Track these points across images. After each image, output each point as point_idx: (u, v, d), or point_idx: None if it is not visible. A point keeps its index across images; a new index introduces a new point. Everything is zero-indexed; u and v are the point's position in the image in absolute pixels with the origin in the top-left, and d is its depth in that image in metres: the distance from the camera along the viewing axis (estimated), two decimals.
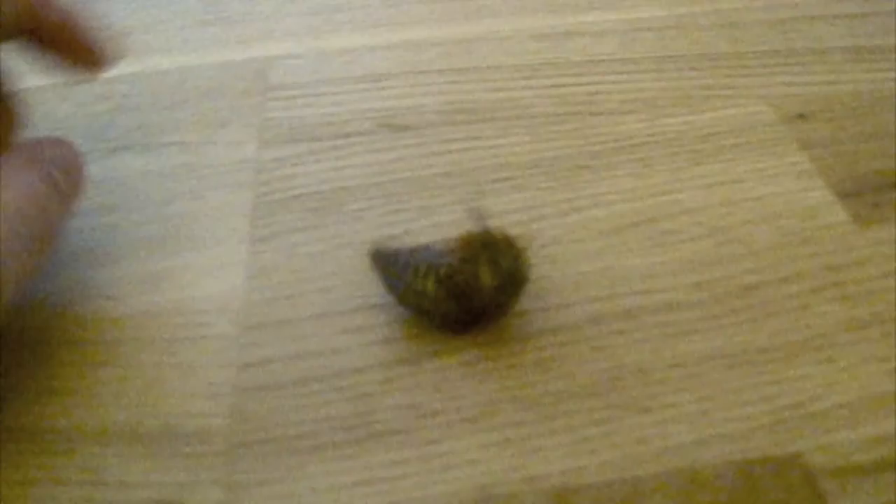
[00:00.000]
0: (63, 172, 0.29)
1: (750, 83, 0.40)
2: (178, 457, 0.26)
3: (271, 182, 0.35)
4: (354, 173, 0.35)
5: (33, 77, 0.41)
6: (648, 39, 0.43)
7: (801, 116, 0.38)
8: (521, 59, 0.41)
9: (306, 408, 0.27)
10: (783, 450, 0.26)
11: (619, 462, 0.26)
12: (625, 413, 0.27)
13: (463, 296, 0.28)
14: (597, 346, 0.29)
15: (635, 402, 0.27)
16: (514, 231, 0.30)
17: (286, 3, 0.46)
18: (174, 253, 0.32)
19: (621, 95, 0.39)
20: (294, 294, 0.31)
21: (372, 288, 0.31)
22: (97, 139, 0.37)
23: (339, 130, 0.37)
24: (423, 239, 0.32)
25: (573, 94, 0.39)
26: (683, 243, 0.32)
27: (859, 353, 0.28)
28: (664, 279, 0.31)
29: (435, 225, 0.33)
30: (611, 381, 0.28)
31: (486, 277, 0.27)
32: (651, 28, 0.43)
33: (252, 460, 0.26)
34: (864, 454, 0.26)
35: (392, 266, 0.29)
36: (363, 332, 0.29)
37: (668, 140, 0.37)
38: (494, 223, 0.32)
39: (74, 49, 0.30)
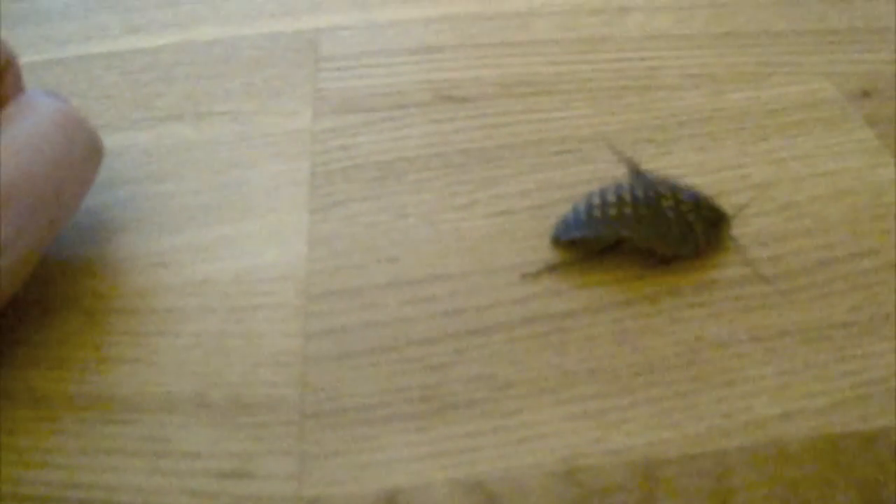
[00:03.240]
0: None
1: (811, 60, 0.39)
2: (247, 427, 0.26)
3: (328, 152, 0.34)
4: (414, 144, 0.34)
5: (77, 45, 0.41)
6: (704, 16, 0.42)
7: (865, 94, 0.37)
8: (577, 33, 0.41)
9: (377, 378, 0.27)
10: (870, 424, 0.25)
11: (703, 435, 0.25)
12: (706, 386, 0.26)
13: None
14: (674, 318, 0.28)
15: (717, 375, 0.26)
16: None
17: None
18: (231, 221, 0.32)
19: (681, 70, 0.38)
20: (359, 263, 0.30)
21: (439, 258, 0.30)
22: (146, 108, 0.37)
23: (396, 101, 0.37)
24: (491, 209, 0.31)
25: (632, 69, 0.38)
26: (754, 218, 0.31)
27: None
28: (736, 253, 0.30)
29: (498, 196, 0.32)
30: (690, 353, 0.27)
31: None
32: (706, 4, 0.43)
33: (324, 431, 0.25)
34: None
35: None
36: (432, 302, 0.29)
37: (732, 115, 0.36)
38: (560, 195, 0.32)
39: None
